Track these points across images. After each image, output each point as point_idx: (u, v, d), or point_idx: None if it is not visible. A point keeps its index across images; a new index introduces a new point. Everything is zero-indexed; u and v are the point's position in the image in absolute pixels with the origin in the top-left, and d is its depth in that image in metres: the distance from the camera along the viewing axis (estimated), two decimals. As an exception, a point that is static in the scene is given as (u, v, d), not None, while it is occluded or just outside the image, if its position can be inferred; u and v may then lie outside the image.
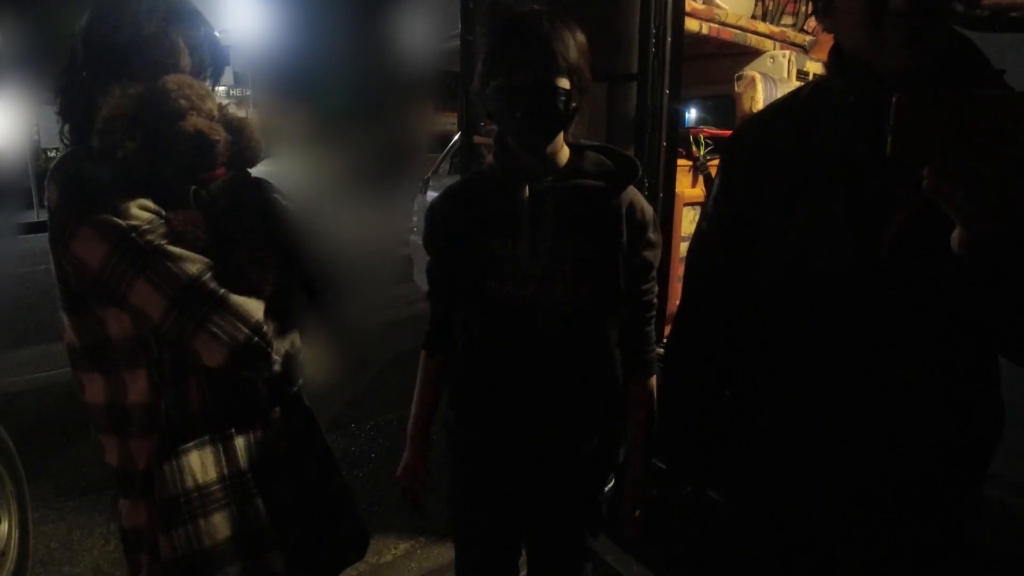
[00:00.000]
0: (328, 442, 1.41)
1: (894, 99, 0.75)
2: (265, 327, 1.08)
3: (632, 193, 1.38)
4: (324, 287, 1.25)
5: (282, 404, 1.24)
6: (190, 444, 1.11)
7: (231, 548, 1.13)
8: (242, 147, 1.14)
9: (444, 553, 2.58)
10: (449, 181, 1.76)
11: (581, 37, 1.30)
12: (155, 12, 1.12)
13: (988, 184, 0.76)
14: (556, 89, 1.25)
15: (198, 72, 1.18)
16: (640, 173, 1.39)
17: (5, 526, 2.37)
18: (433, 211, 1.45)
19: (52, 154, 13.03)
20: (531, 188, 1.32)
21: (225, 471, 1.14)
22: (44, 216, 1.14)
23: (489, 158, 1.42)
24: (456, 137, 5.00)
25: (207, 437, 1.12)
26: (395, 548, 2.67)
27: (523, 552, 1.60)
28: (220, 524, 1.12)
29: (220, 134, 1.08)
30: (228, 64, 1.28)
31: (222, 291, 1.05)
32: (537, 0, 1.32)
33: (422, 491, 1.58)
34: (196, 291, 1.03)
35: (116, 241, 1.01)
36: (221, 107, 1.14)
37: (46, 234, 1.08)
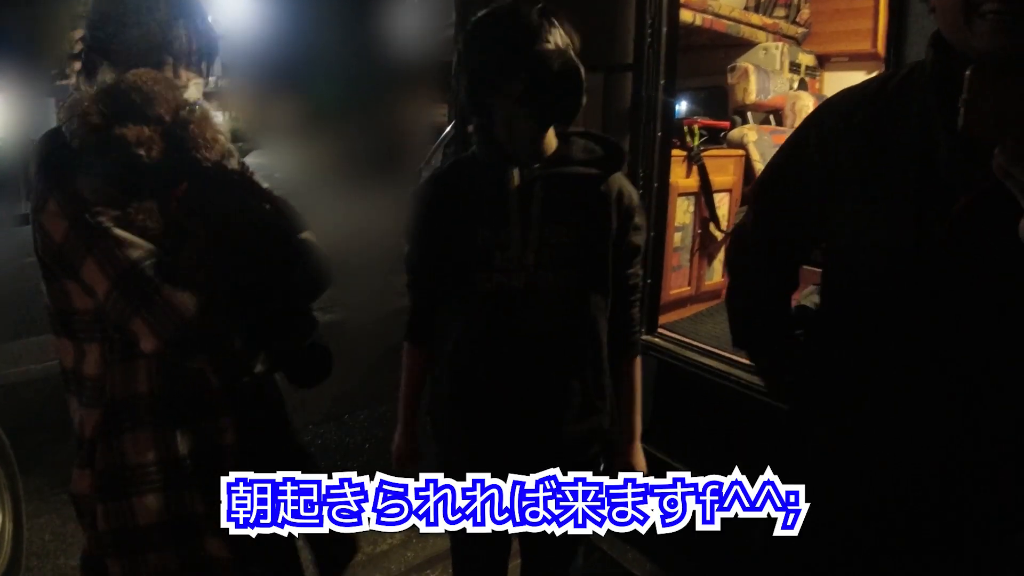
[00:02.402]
0: (301, 439, 1.41)
1: (968, 71, 0.73)
2: (202, 321, 1.09)
3: (620, 179, 1.39)
4: (301, 284, 1.25)
5: (236, 397, 1.24)
6: (132, 423, 1.15)
7: (166, 530, 1.17)
8: (188, 151, 1.14)
9: (439, 542, 2.57)
10: (441, 171, 1.76)
11: (575, 35, 1.31)
12: (156, 5, 1.16)
13: None
14: (582, 81, 1.26)
15: (190, 62, 1.20)
16: (627, 159, 1.41)
17: (-1, 519, 2.38)
18: (418, 198, 1.45)
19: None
20: (520, 175, 1.33)
21: (164, 455, 1.16)
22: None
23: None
24: (449, 127, 4.98)
25: (149, 418, 1.15)
26: (391, 538, 2.67)
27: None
28: (153, 505, 1.15)
29: (150, 147, 1.09)
30: (218, 54, 1.29)
31: (160, 281, 1.07)
32: None
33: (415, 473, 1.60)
34: (135, 277, 1.06)
35: (73, 218, 1.07)
36: (186, 106, 1.15)
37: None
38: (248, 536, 1.22)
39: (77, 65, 1.19)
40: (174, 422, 1.17)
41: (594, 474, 1.50)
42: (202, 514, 1.19)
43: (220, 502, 1.18)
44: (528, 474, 1.46)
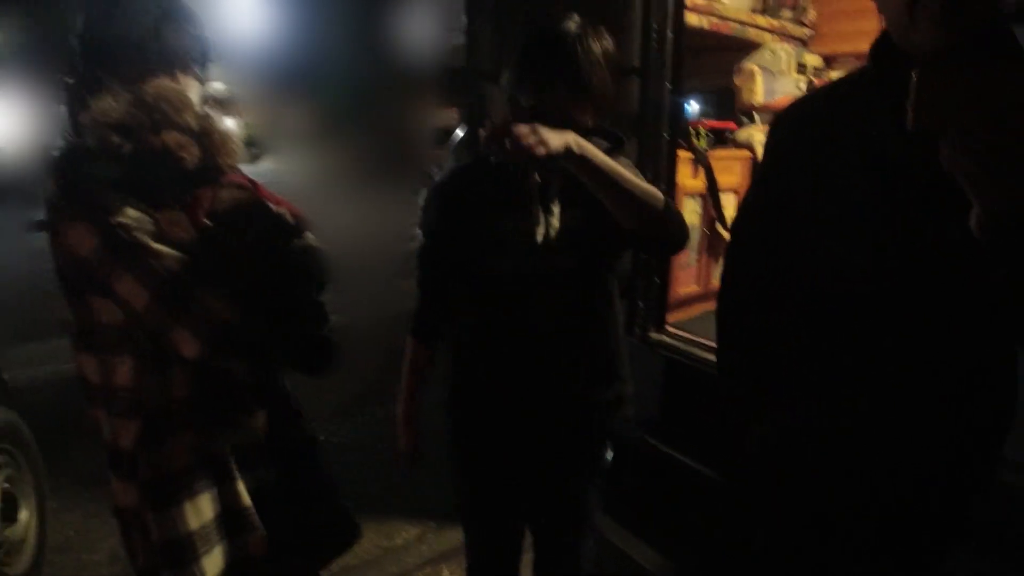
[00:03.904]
0: (313, 431, 1.45)
1: (915, 72, 0.77)
2: (238, 324, 1.14)
3: (622, 162, 1.43)
4: (313, 278, 1.29)
5: (261, 392, 1.29)
6: (172, 428, 1.17)
7: (213, 529, 1.20)
8: (213, 157, 1.18)
9: (453, 536, 2.62)
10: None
11: (609, 43, 1.35)
12: (147, 12, 1.17)
13: (1004, 158, 0.77)
14: (578, 122, 1.31)
15: (188, 68, 1.23)
16: (625, 145, 1.45)
17: (24, 515, 2.43)
18: (438, 193, 1.51)
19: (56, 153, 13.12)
20: (541, 169, 1.38)
21: (207, 454, 1.20)
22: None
23: None
24: (459, 130, 5.03)
25: (189, 422, 1.18)
26: (405, 532, 2.73)
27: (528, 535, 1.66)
28: (203, 505, 1.18)
29: (190, 152, 1.14)
30: (216, 62, 1.31)
31: (198, 288, 1.11)
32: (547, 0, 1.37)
33: (417, 463, 1.66)
34: (174, 287, 1.10)
35: (104, 234, 1.08)
36: (204, 115, 1.18)
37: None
38: (286, 531, 1.28)
39: (71, 80, 1.19)
40: (213, 422, 1.20)
41: (604, 454, 1.56)
42: (244, 508, 1.22)
43: (257, 495, 1.24)
44: (553, 446, 1.51)
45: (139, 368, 1.16)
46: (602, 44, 1.33)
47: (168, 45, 1.19)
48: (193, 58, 1.24)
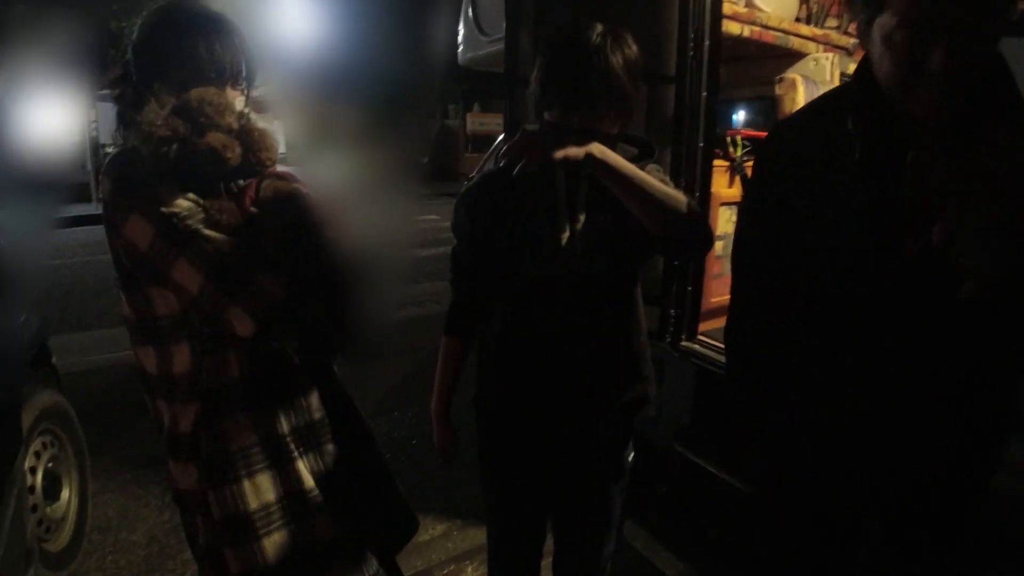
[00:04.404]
0: (367, 422, 1.48)
1: (908, 158, 0.80)
2: (290, 302, 1.19)
3: (652, 171, 1.44)
4: (345, 278, 1.32)
5: (314, 375, 1.33)
6: (230, 408, 1.22)
7: (277, 510, 1.23)
8: (254, 153, 1.24)
9: (478, 535, 2.66)
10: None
11: (632, 51, 1.36)
12: (197, 27, 1.25)
13: (997, 233, 0.80)
14: (602, 132, 1.34)
15: (234, 80, 1.29)
16: (656, 153, 1.47)
17: (66, 493, 2.53)
18: (469, 196, 1.54)
19: (108, 149, 13.58)
20: (567, 173, 1.40)
21: (265, 433, 1.24)
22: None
23: None
24: (500, 137, 5.07)
25: (245, 402, 1.23)
26: (432, 529, 2.77)
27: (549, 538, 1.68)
28: (264, 485, 1.22)
29: (233, 151, 1.20)
30: (259, 76, 1.38)
31: (250, 269, 1.17)
32: (585, 8, 1.39)
33: (454, 456, 1.70)
34: (227, 268, 1.15)
35: (160, 225, 1.14)
36: (242, 115, 1.25)
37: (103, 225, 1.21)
38: (355, 514, 1.30)
39: (117, 90, 1.27)
40: (269, 402, 1.25)
41: (627, 455, 1.57)
42: (308, 489, 1.26)
43: (323, 477, 1.27)
44: (578, 445, 1.53)
45: (196, 352, 1.22)
46: (625, 53, 1.34)
47: (216, 59, 1.26)
48: (238, 72, 1.30)
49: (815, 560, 1.30)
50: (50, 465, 2.44)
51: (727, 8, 2.59)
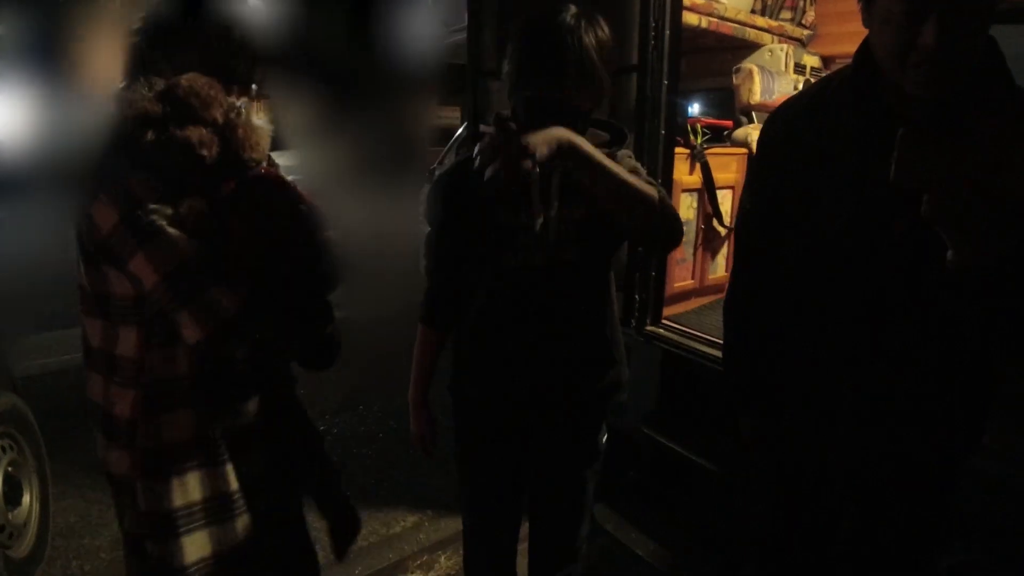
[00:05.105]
0: (315, 423, 1.47)
1: (899, 134, 0.84)
2: (242, 316, 1.16)
3: (624, 155, 1.47)
4: (323, 278, 1.31)
5: (261, 380, 1.31)
6: (171, 404, 1.21)
7: (199, 510, 1.22)
8: (237, 152, 1.20)
9: (450, 524, 2.68)
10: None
11: (605, 34, 1.37)
12: (216, 22, 1.21)
13: (978, 218, 0.84)
14: (576, 109, 1.35)
15: (241, 81, 1.26)
16: (628, 138, 1.49)
17: (27, 499, 2.46)
18: (441, 184, 1.54)
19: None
20: (540, 164, 1.41)
21: (201, 433, 1.22)
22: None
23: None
24: (460, 129, 5.08)
25: (188, 400, 1.21)
26: (403, 520, 2.77)
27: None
28: (191, 484, 1.21)
29: (210, 149, 1.16)
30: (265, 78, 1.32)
31: (206, 278, 1.14)
32: None
33: (434, 445, 1.70)
34: (184, 274, 1.13)
35: (125, 214, 1.11)
36: (232, 109, 1.20)
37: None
38: (275, 516, 1.30)
39: (126, 61, 1.23)
40: (211, 403, 1.23)
41: (600, 438, 1.60)
42: (233, 491, 1.25)
43: (248, 480, 1.26)
44: (553, 430, 1.55)
45: (144, 341, 1.19)
46: (598, 33, 1.36)
47: (236, 67, 1.23)
48: (246, 76, 1.27)
49: (805, 544, 1.34)
50: (9, 470, 2.38)
51: (686, 0, 2.63)
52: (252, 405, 1.29)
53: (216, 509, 1.24)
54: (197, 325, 1.13)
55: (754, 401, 1.43)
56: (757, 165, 1.35)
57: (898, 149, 0.83)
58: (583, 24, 1.34)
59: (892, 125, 0.91)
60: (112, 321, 1.21)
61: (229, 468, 1.25)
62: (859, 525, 1.28)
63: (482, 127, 2.84)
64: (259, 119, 1.25)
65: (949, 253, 0.89)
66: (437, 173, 1.68)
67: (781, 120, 1.31)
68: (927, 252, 1.01)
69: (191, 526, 1.21)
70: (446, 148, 5.45)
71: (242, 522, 1.26)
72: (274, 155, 1.33)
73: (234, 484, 1.25)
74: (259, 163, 1.25)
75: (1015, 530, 1.59)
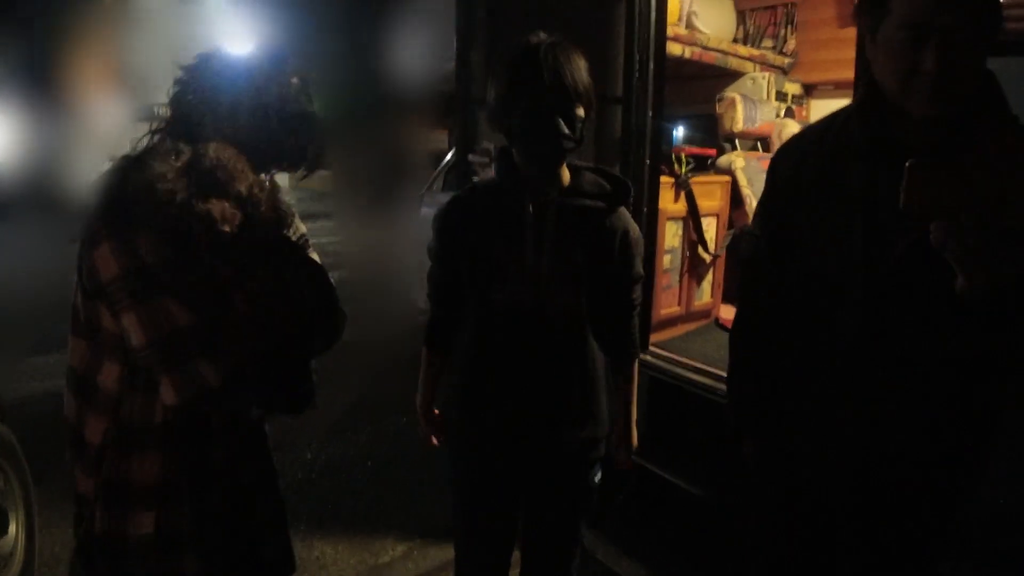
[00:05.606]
0: (273, 460, 1.47)
1: (907, 164, 0.88)
2: (223, 391, 1.16)
3: (624, 217, 1.53)
4: (315, 350, 1.33)
5: (230, 430, 1.31)
6: (142, 447, 1.21)
7: (151, 543, 1.22)
8: (259, 224, 1.20)
9: (440, 554, 2.66)
10: (444, 197, 1.88)
11: (585, 63, 1.42)
12: (282, 102, 1.24)
13: (984, 245, 0.88)
14: (575, 117, 1.38)
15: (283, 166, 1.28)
16: (632, 194, 1.54)
17: (12, 528, 2.43)
18: (440, 219, 1.57)
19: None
20: (535, 201, 1.45)
21: (165, 477, 1.22)
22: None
23: (485, 173, 1.55)
24: (450, 154, 5.13)
25: (158, 444, 1.21)
26: (392, 549, 2.75)
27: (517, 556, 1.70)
28: (146, 521, 1.22)
29: (232, 223, 1.14)
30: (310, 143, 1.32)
31: (195, 351, 1.14)
32: (534, 27, 1.44)
33: (442, 439, 1.74)
34: (173, 344, 1.12)
35: (127, 268, 1.10)
36: (255, 184, 1.20)
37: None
38: (222, 554, 1.30)
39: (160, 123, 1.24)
40: (178, 448, 1.23)
41: (592, 476, 1.63)
42: (186, 531, 1.25)
43: (204, 520, 1.26)
44: (530, 475, 1.57)
45: (124, 380, 1.19)
46: (571, 53, 1.39)
47: (286, 149, 1.26)
48: (294, 159, 1.30)
49: (797, 546, 1.36)
50: (-4, 499, 2.36)
51: (669, 30, 2.69)
52: (219, 451, 1.29)
53: (166, 543, 1.24)
54: (175, 392, 1.13)
55: (758, 424, 1.45)
56: (766, 194, 1.38)
57: (906, 178, 0.87)
58: (556, 44, 1.38)
59: (899, 153, 0.96)
60: (97, 349, 1.20)
61: (186, 509, 1.25)
62: (858, 545, 1.30)
63: (470, 157, 2.87)
64: (283, 195, 1.25)
65: (958, 279, 0.92)
66: (428, 211, 1.72)
67: (791, 150, 1.35)
68: (928, 278, 1.04)
69: (140, 555, 1.23)
70: (435, 173, 5.49)
71: (190, 560, 1.26)
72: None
73: (187, 524, 1.25)
74: (275, 236, 1.24)
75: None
